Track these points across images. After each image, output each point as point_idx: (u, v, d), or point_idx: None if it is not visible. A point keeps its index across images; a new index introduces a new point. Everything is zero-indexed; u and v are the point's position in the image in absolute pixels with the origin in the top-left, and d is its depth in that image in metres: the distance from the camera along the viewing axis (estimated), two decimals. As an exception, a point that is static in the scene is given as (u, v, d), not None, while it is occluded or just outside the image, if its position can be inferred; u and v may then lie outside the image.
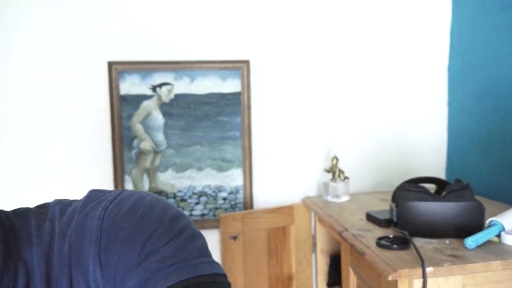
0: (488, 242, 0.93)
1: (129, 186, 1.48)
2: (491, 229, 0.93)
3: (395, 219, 1.06)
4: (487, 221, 0.97)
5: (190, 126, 1.51)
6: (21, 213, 0.53)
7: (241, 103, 1.52)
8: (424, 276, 0.83)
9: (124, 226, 0.47)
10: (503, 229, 0.94)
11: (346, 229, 1.13)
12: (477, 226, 0.96)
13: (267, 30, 1.55)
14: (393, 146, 1.65)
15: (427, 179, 1.24)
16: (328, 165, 1.59)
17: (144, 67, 1.47)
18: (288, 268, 1.51)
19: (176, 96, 1.49)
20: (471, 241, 0.90)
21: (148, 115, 1.49)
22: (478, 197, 1.08)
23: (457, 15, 1.60)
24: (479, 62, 1.47)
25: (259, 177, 1.57)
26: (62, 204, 0.57)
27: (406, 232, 0.96)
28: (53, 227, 0.50)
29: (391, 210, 1.08)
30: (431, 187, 1.18)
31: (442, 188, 1.20)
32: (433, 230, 0.98)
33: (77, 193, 1.64)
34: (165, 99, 1.49)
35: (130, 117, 1.48)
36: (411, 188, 1.07)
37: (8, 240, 0.48)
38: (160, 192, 1.49)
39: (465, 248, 0.91)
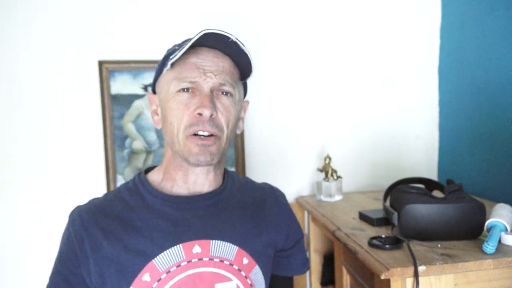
0: (481, 242, 0.94)
1: (120, 186, 1.47)
2: (495, 230, 0.93)
3: (396, 222, 1.03)
4: (486, 222, 0.96)
5: (183, 125, 1.50)
6: None
7: (234, 103, 1.51)
8: (416, 275, 0.83)
9: None
10: (505, 230, 0.94)
11: (339, 228, 1.13)
12: (479, 226, 0.96)
13: (258, 29, 1.54)
14: (385, 146, 1.66)
15: (417, 180, 1.24)
16: (321, 164, 1.59)
17: (135, 66, 1.45)
18: (281, 268, 1.50)
19: (168, 95, 1.48)
20: (492, 246, 0.88)
21: (140, 114, 1.47)
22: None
23: (447, 16, 1.62)
24: (469, 62, 1.48)
25: (252, 176, 1.57)
26: None
27: (406, 240, 0.95)
28: None
29: (391, 213, 1.05)
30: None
31: (431, 188, 1.21)
32: (435, 233, 0.97)
33: (69, 193, 1.63)
34: (157, 98, 1.48)
35: (121, 116, 1.46)
36: (410, 190, 1.05)
37: None
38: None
39: (484, 252, 0.89)
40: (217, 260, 0.77)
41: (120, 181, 1.47)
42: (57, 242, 1.54)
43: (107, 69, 1.44)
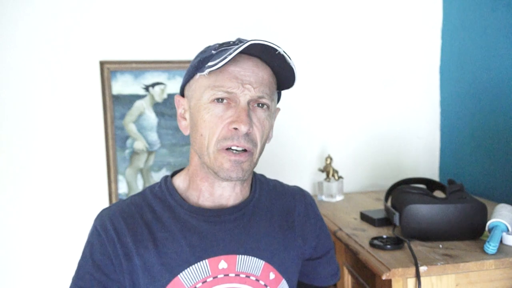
0: (482, 242, 0.94)
1: (123, 186, 1.47)
2: (496, 230, 0.93)
3: (397, 223, 1.03)
4: (488, 222, 0.96)
5: (184, 126, 1.50)
6: None
7: (235, 103, 1.51)
8: (417, 275, 0.83)
9: None
10: (506, 230, 0.94)
11: (340, 229, 1.13)
12: (480, 227, 0.96)
13: (259, 29, 1.54)
14: (386, 146, 1.66)
15: (418, 180, 1.24)
16: (322, 164, 1.59)
17: (136, 67, 1.46)
18: (282, 268, 1.50)
19: (169, 95, 1.48)
20: (493, 246, 0.88)
21: (141, 114, 1.48)
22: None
23: (448, 16, 1.62)
24: (470, 62, 1.48)
25: (253, 177, 1.57)
26: None
27: (407, 240, 0.95)
28: None
29: (392, 213, 1.05)
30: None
31: (433, 189, 1.21)
32: (437, 233, 0.97)
33: (70, 193, 1.62)
34: (158, 98, 1.48)
35: (123, 116, 1.46)
36: (411, 190, 1.05)
37: None
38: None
39: (485, 252, 0.89)
40: (243, 276, 0.74)
41: (122, 181, 1.47)
42: (57, 241, 1.54)
43: (108, 69, 1.44)
